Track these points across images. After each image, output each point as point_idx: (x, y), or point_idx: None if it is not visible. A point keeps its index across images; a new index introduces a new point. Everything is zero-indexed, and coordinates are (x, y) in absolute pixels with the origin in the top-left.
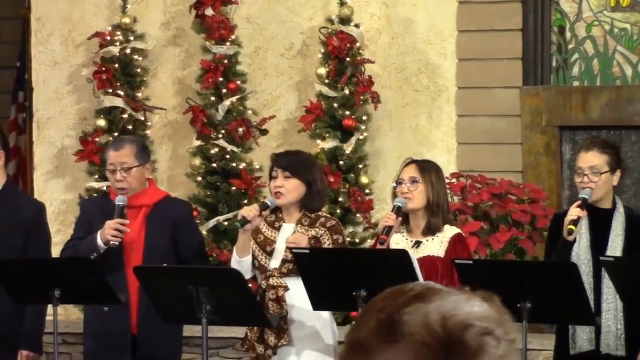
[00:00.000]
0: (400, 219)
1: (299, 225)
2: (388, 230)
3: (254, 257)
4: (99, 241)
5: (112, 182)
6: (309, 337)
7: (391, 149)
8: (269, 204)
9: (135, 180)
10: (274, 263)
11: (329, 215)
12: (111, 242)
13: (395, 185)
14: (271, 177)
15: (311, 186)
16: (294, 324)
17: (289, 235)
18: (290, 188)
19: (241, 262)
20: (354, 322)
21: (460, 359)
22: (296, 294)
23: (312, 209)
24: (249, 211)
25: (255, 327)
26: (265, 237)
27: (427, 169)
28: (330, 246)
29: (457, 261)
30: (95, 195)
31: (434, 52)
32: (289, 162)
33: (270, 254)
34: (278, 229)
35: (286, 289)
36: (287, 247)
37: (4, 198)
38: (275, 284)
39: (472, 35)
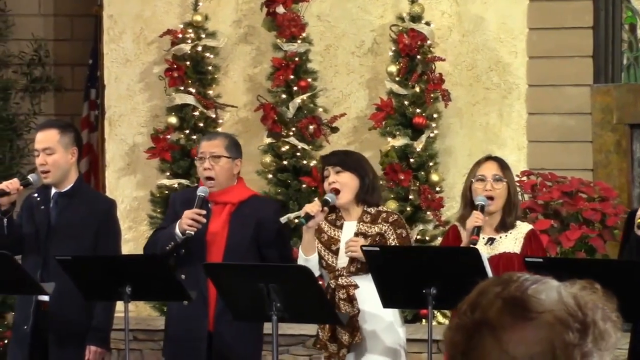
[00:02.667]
0: (486, 218)
1: (361, 223)
2: (478, 230)
3: (321, 257)
4: (177, 231)
5: (200, 171)
6: (380, 334)
7: (461, 147)
8: (330, 199)
9: (223, 171)
10: (342, 262)
11: (390, 210)
12: (187, 232)
13: (470, 179)
14: (323, 179)
15: (364, 179)
16: (365, 322)
17: (351, 233)
18: (344, 181)
19: (308, 260)
20: (457, 310)
21: (593, 340)
22: (366, 292)
23: (371, 203)
24: (312, 207)
25: (327, 326)
26: (329, 237)
27: (506, 166)
28: (395, 241)
29: (527, 259)
30: (186, 188)
31: (504, 50)
32: (339, 158)
33: (336, 252)
34: (340, 227)
35: (356, 287)
36: (346, 255)
37: (76, 195)
38: (345, 283)
39: (543, 33)
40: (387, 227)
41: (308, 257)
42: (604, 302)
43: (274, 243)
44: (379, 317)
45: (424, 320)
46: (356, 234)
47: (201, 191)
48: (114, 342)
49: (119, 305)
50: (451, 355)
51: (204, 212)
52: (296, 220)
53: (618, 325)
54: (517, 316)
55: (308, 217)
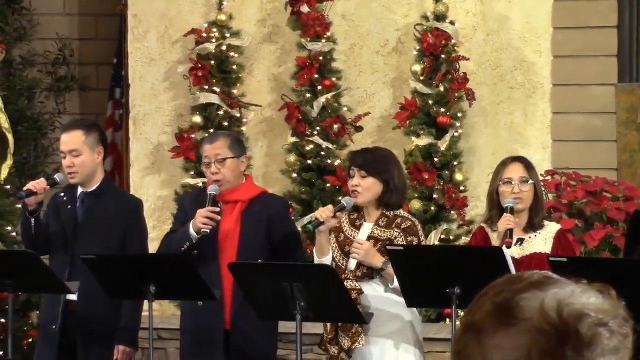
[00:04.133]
0: (517, 219)
1: (375, 227)
2: (510, 233)
3: (332, 258)
4: (192, 231)
5: (208, 176)
6: (386, 339)
7: (486, 147)
8: (345, 205)
9: (230, 172)
10: (351, 265)
11: (406, 216)
12: (202, 230)
13: (496, 181)
14: (349, 176)
15: (388, 184)
16: (369, 328)
17: (366, 235)
18: (367, 187)
19: (321, 262)
20: (470, 306)
21: (573, 348)
22: (372, 297)
23: (391, 206)
24: (323, 212)
25: (330, 328)
26: (345, 237)
27: (531, 167)
28: None
29: (551, 259)
30: (193, 190)
31: (529, 49)
32: (366, 160)
33: (348, 254)
34: (359, 227)
35: (360, 292)
36: (352, 256)
37: (103, 194)
38: (350, 287)
39: (567, 33)
40: (398, 233)
41: (321, 259)
42: (611, 309)
43: (287, 240)
44: (384, 322)
45: (447, 320)
46: (369, 237)
47: (212, 189)
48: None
49: (145, 304)
50: (451, 352)
51: (218, 209)
52: (307, 218)
53: (623, 331)
54: (500, 322)
55: (317, 223)
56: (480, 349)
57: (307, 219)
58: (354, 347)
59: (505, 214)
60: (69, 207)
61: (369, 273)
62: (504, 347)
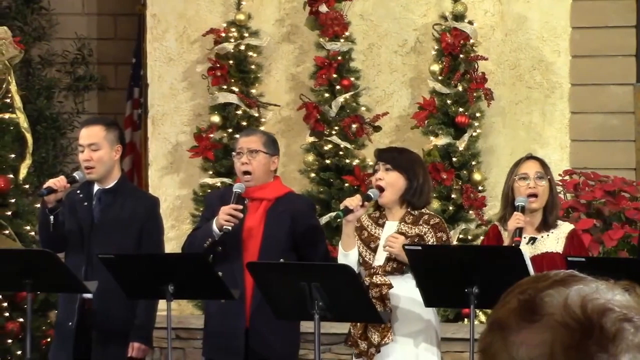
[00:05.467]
0: (528, 219)
1: (402, 223)
2: (520, 231)
3: (359, 254)
4: (214, 227)
5: (238, 166)
6: (412, 335)
7: (504, 146)
8: (372, 195)
9: (261, 166)
10: (378, 260)
11: (432, 213)
12: (224, 227)
13: (511, 178)
14: (374, 172)
15: (412, 181)
16: (398, 323)
17: (392, 232)
18: (390, 181)
19: (347, 255)
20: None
21: (597, 343)
22: (400, 292)
23: (416, 206)
24: (352, 201)
25: (359, 324)
26: (369, 234)
27: (547, 165)
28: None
29: (569, 258)
30: (211, 189)
31: (547, 49)
32: (392, 155)
33: (374, 250)
34: (382, 225)
35: (390, 286)
36: (384, 250)
37: (119, 192)
38: (380, 282)
39: (586, 32)
40: (427, 229)
41: (347, 252)
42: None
43: (311, 239)
44: (412, 319)
45: (466, 320)
46: (396, 234)
47: (237, 187)
48: (156, 340)
49: (161, 303)
50: (477, 349)
51: (240, 207)
52: (334, 214)
53: None
54: (524, 318)
55: (347, 210)
56: (505, 345)
57: (326, 217)
58: (383, 342)
59: (515, 212)
60: (85, 204)
61: (399, 268)
62: (528, 344)
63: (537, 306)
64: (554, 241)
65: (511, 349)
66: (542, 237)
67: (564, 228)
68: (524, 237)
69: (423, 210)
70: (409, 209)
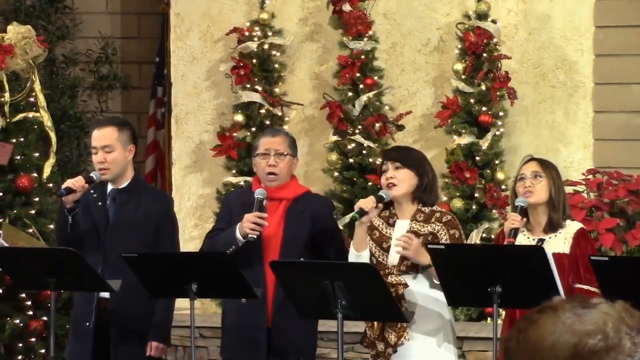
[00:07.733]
0: (524, 219)
1: (414, 221)
2: (515, 232)
3: (371, 254)
4: (238, 234)
5: (263, 166)
6: (429, 334)
7: (527, 145)
8: (384, 196)
9: (286, 169)
10: (393, 260)
11: (444, 210)
12: (249, 236)
13: (515, 182)
14: (382, 173)
15: (422, 178)
16: (414, 322)
17: (404, 231)
18: (402, 178)
19: (359, 256)
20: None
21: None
22: (415, 291)
23: (426, 202)
24: (366, 202)
25: (376, 325)
26: (380, 234)
27: (548, 165)
28: (448, 241)
29: (592, 258)
30: (234, 188)
31: (571, 48)
32: (400, 154)
33: (387, 250)
34: (393, 225)
35: (406, 286)
36: (397, 251)
37: (133, 191)
38: (395, 281)
39: (609, 31)
40: (440, 226)
41: (359, 253)
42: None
43: (330, 240)
44: (428, 318)
45: (489, 319)
46: (409, 232)
47: (259, 193)
48: (180, 339)
49: (183, 302)
50: (504, 339)
51: (265, 215)
52: (349, 216)
53: None
54: (576, 306)
55: (362, 212)
56: (557, 318)
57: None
58: (400, 342)
59: (510, 213)
60: (99, 204)
61: (413, 267)
62: (582, 320)
63: (587, 300)
64: (562, 242)
65: (564, 319)
66: (549, 238)
67: (571, 228)
68: (532, 239)
69: (434, 208)
70: (419, 206)
